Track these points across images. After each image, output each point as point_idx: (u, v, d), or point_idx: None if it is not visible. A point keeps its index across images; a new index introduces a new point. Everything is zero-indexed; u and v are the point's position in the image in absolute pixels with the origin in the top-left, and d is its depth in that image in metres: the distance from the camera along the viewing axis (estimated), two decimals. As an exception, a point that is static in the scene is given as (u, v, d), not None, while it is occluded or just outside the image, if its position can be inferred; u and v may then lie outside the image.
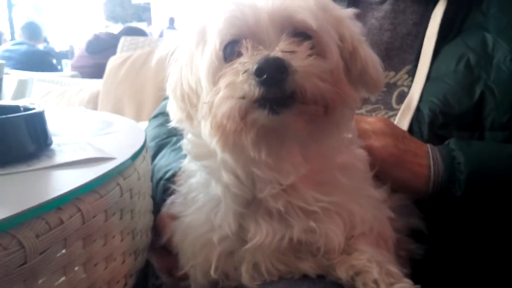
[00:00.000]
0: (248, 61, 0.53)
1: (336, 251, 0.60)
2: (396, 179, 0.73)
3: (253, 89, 0.52)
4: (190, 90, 0.61)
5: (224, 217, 0.62)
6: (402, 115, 0.82)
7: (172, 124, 0.66)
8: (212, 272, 0.63)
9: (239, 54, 0.55)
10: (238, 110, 0.53)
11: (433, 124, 0.79)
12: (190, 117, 0.62)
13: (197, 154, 0.64)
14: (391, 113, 0.86)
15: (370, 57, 0.62)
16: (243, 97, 0.52)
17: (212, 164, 0.62)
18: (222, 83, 0.54)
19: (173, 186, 0.73)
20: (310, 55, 0.54)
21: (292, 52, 0.53)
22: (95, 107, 2.18)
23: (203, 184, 0.65)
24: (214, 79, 0.56)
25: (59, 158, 0.60)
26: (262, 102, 0.52)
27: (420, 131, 0.80)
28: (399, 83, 0.87)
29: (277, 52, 0.53)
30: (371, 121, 0.75)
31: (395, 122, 0.82)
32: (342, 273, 0.59)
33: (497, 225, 0.74)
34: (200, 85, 0.59)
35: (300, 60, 0.53)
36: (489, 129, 0.78)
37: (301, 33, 0.56)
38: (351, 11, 0.63)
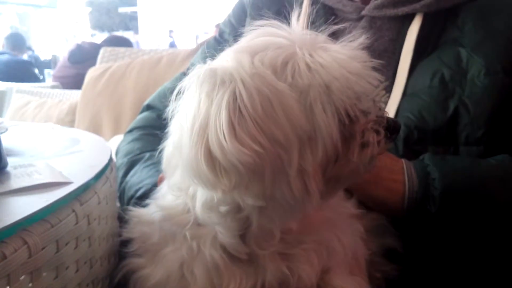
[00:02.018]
0: (377, 119, 0.56)
1: None
2: (372, 196, 0.71)
3: (386, 145, 0.57)
4: (272, 145, 0.47)
5: (205, 274, 0.56)
6: (378, 131, 0.81)
7: (219, 195, 0.50)
8: None
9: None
10: (366, 163, 0.55)
11: (409, 140, 0.78)
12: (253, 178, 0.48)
13: (224, 214, 0.54)
14: None
15: None
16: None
17: (208, 231, 0.56)
18: (371, 138, 0.55)
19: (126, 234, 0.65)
20: None
21: None
22: (74, 119, 2.14)
23: (188, 250, 0.57)
24: (345, 135, 0.52)
25: (11, 184, 0.57)
26: None
27: (396, 146, 0.79)
28: (376, 99, 0.85)
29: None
30: None
31: (371, 138, 0.81)
32: None
33: (472, 242, 0.73)
34: (297, 138, 0.48)
35: None
36: (464, 144, 0.77)
37: None
38: None
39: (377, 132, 0.55)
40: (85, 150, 0.79)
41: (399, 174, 0.71)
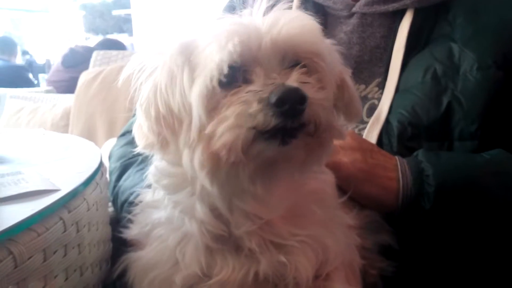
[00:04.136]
0: (261, 90, 0.50)
1: (304, 285, 0.57)
2: (366, 194, 0.71)
3: (269, 119, 0.49)
4: (169, 114, 0.54)
5: (194, 255, 0.58)
6: (371, 128, 0.81)
7: (140, 148, 0.59)
8: None
9: (245, 81, 0.51)
10: (242, 141, 0.49)
11: (402, 136, 0.77)
12: (165, 142, 0.56)
13: (170, 186, 0.59)
14: (361, 126, 0.84)
15: (354, 88, 0.62)
16: (253, 128, 0.49)
17: (185, 199, 0.57)
18: (230, 112, 0.50)
19: (128, 216, 0.68)
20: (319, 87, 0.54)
21: (305, 83, 0.52)
22: (68, 123, 2.12)
23: (169, 220, 0.60)
24: (211, 107, 0.51)
25: (-2, 192, 0.56)
26: (273, 133, 0.50)
27: (390, 143, 0.78)
28: (369, 96, 0.85)
29: (292, 82, 0.51)
30: None
31: (364, 135, 0.80)
32: None
33: (468, 238, 0.72)
34: (185, 111, 0.53)
35: (312, 91, 0.51)
36: (458, 139, 0.76)
37: (298, 62, 0.54)
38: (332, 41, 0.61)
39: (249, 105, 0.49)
40: (74, 156, 0.78)
41: (393, 171, 0.71)
